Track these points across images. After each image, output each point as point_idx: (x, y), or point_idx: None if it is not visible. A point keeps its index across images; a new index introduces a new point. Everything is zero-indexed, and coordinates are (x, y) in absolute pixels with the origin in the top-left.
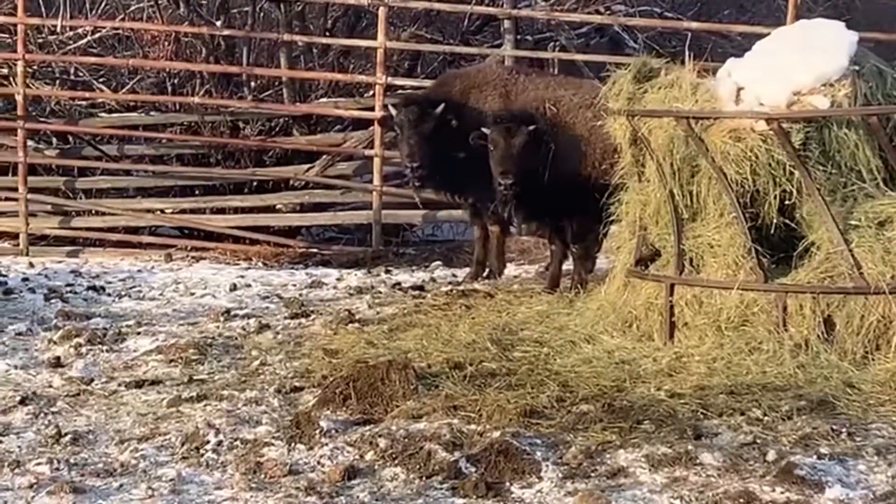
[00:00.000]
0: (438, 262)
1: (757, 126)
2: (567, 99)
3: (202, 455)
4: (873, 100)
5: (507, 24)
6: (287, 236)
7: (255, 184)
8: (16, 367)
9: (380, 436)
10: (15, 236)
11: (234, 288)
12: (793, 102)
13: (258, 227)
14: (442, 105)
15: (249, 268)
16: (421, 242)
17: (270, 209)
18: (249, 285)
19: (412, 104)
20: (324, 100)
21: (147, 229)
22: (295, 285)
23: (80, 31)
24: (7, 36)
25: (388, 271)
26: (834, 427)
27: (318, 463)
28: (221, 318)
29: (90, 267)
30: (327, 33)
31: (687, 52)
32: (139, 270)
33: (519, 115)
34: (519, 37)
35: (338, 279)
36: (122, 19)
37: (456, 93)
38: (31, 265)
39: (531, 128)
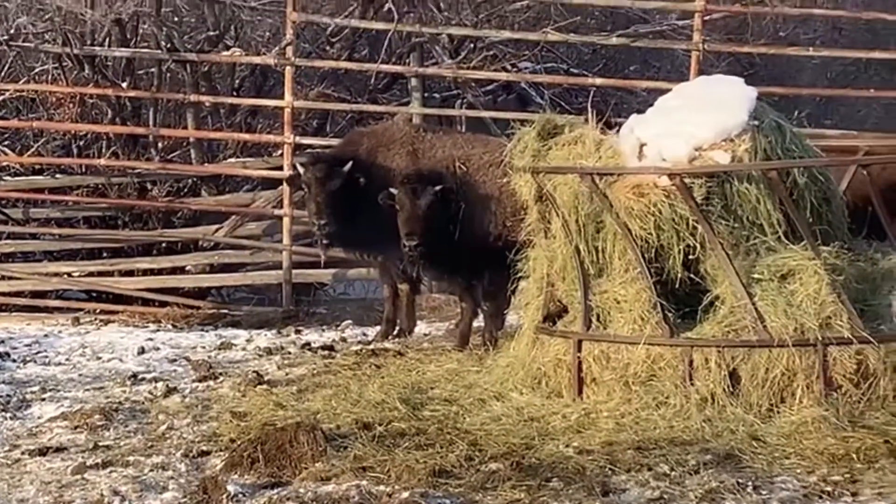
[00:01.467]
0: (349, 321)
1: (660, 181)
2: (476, 157)
3: None
4: (773, 154)
5: (413, 81)
6: (197, 297)
7: (164, 245)
8: None
9: (288, 499)
10: None
11: (142, 351)
12: (694, 158)
13: (167, 288)
14: (350, 163)
15: (159, 330)
16: (333, 301)
17: (180, 270)
18: (158, 348)
19: (319, 162)
20: (232, 160)
21: (54, 293)
22: (204, 347)
23: None
24: None
25: (298, 331)
26: (740, 481)
27: None
28: (128, 383)
29: None
30: (234, 93)
31: (590, 109)
32: (45, 335)
33: (426, 174)
34: (426, 94)
35: (247, 340)
36: (27, 81)
37: (363, 151)
38: None
39: (438, 188)
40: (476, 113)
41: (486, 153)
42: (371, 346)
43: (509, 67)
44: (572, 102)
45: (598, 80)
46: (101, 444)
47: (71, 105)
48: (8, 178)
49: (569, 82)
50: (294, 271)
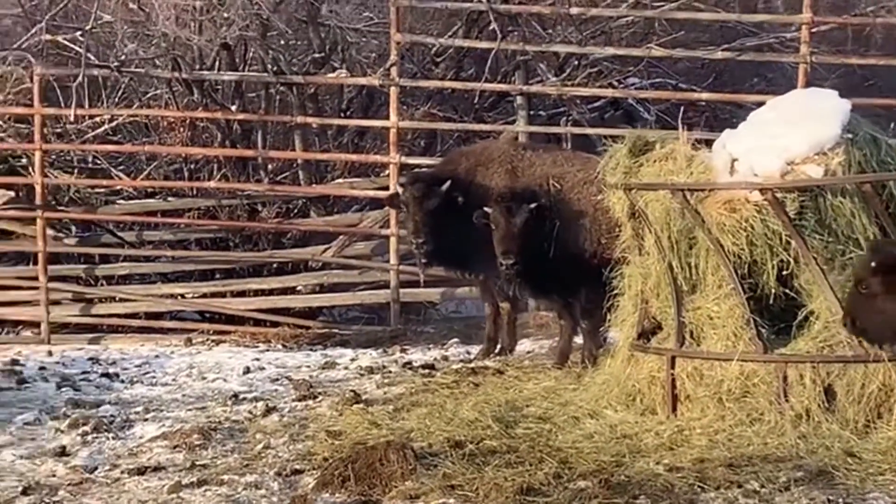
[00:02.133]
0: (456, 340)
1: (752, 196)
2: (572, 174)
3: None
4: (867, 167)
5: (519, 99)
6: (307, 317)
7: (274, 266)
8: (21, 457)
9: None
10: (36, 325)
11: (247, 371)
12: (787, 172)
13: (278, 309)
14: (448, 182)
15: (267, 350)
16: (441, 320)
17: (290, 290)
18: (263, 368)
19: (417, 182)
20: (339, 180)
21: (168, 314)
22: (309, 366)
23: (97, 119)
24: (25, 126)
25: (403, 350)
26: (830, 498)
27: None
28: (230, 402)
29: (109, 353)
30: (342, 114)
31: (680, 125)
32: (157, 356)
33: (521, 192)
34: (532, 112)
35: (352, 359)
36: (139, 107)
37: (462, 170)
38: (50, 353)
39: (532, 206)
40: (582, 130)
41: (581, 170)
42: (471, 365)
43: (616, 84)
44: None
45: (706, 95)
46: (198, 463)
47: (182, 129)
48: (122, 201)
49: (676, 97)
50: (402, 290)
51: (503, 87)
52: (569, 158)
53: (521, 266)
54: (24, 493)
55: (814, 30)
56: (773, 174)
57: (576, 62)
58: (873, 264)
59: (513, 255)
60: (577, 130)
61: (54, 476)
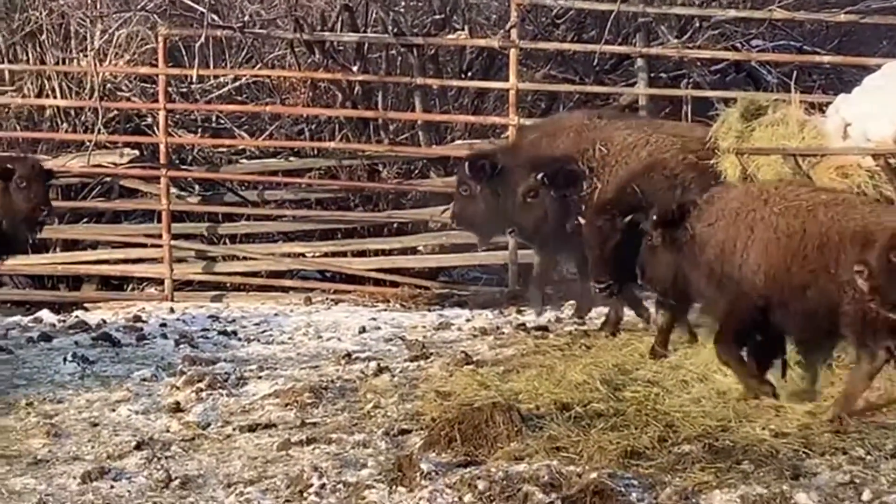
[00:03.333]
0: (572, 302)
1: (864, 162)
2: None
3: (305, 498)
4: None
5: (639, 62)
6: (427, 278)
7: (394, 226)
8: (136, 413)
9: (479, 478)
10: (160, 282)
11: (362, 331)
12: None
13: (398, 269)
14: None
15: (384, 310)
16: (560, 281)
17: (410, 251)
18: (378, 328)
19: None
20: (459, 142)
21: (289, 273)
22: (424, 327)
23: (220, 79)
24: (150, 86)
25: (519, 311)
26: None
27: None
28: (342, 362)
29: (229, 311)
30: (462, 76)
31: (793, 88)
32: (275, 314)
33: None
34: (652, 74)
35: (467, 320)
36: (261, 67)
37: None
38: (172, 311)
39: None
40: (702, 93)
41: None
42: (584, 327)
43: (738, 46)
44: (805, 81)
45: (828, 58)
46: (308, 421)
47: (303, 89)
48: (244, 161)
49: (798, 60)
50: (519, 252)
51: (623, 49)
52: (643, 126)
53: None
54: (138, 447)
55: None
56: (887, 140)
57: (697, 24)
58: (654, 217)
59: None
60: (697, 93)
61: (168, 431)
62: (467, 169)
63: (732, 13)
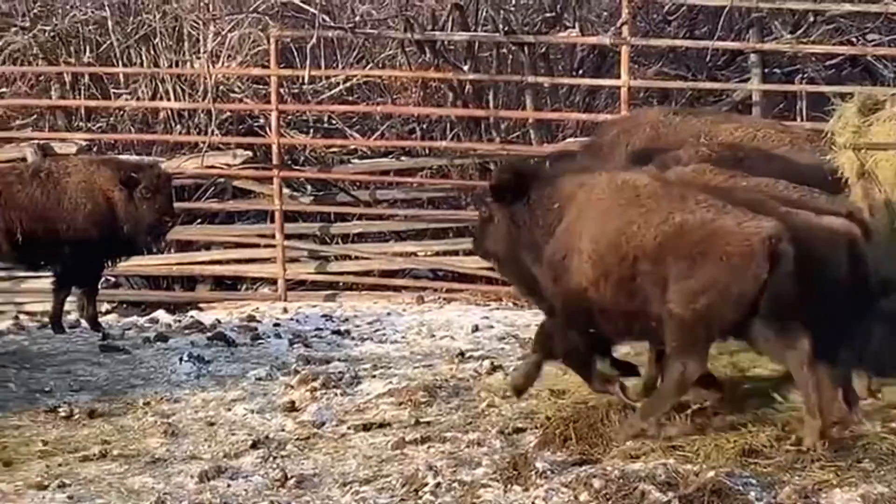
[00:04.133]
0: None
1: None
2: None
3: (420, 497)
4: None
5: (753, 57)
6: None
7: None
8: (252, 412)
9: (595, 476)
10: (274, 282)
11: (475, 329)
12: None
13: None
14: None
15: (497, 308)
16: None
17: None
18: (491, 326)
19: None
20: (571, 139)
21: (401, 272)
22: (537, 325)
23: (331, 80)
24: (262, 87)
25: None
26: None
27: None
28: (456, 360)
29: (342, 311)
30: (573, 74)
31: None
32: (388, 314)
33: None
34: (766, 70)
35: None
36: (372, 67)
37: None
38: (286, 310)
39: None
40: (817, 88)
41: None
42: None
43: (854, 40)
44: None
45: None
46: (422, 420)
47: (414, 89)
48: (356, 160)
49: None
50: None
51: (736, 45)
52: (719, 122)
53: None
54: (254, 446)
55: None
56: None
57: (811, 18)
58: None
59: None
60: (812, 88)
61: (283, 430)
62: None
63: (847, 7)
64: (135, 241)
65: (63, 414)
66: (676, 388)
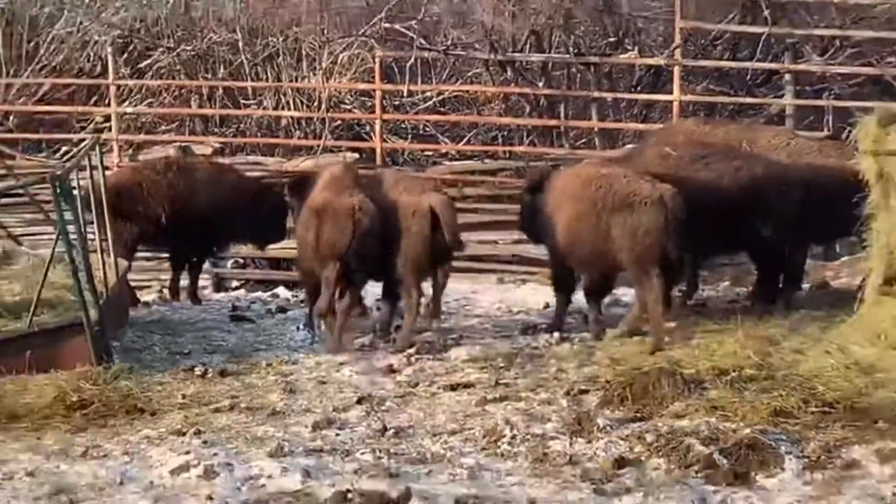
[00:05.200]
0: (727, 283)
1: None
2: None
3: (499, 447)
4: None
5: (787, 77)
6: None
7: None
8: (357, 373)
9: (647, 432)
10: None
11: (546, 306)
12: None
13: None
14: None
15: None
16: (716, 265)
17: None
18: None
19: None
20: (630, 146)
21: (485, 257)
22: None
23: (427, 93)
24: (368, 99)
25: (680, 291)
26: None
27: (595, 454)
28: (530, 332)
29: None
30: (632, 89)
31: None
32: (473, 292)
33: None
34: (798, 87)
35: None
36: (461, 83)
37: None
38: None
39: None
40: (842, 103)
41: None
42: (739, 304)
43: (874, 62)
44: None
45: None
46: (501, 382)
47: (497, 102)
48: (447, 162)
49: None
50: None
51: (773, 66)
52: (745, 130)
53: None
54: (359, 402)
55: None
56: None
57: (838, 44)
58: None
59: None
60: (837, 104)
61: (383, 389)
62: None
63: (869, 33)
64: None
65: (199, 373)
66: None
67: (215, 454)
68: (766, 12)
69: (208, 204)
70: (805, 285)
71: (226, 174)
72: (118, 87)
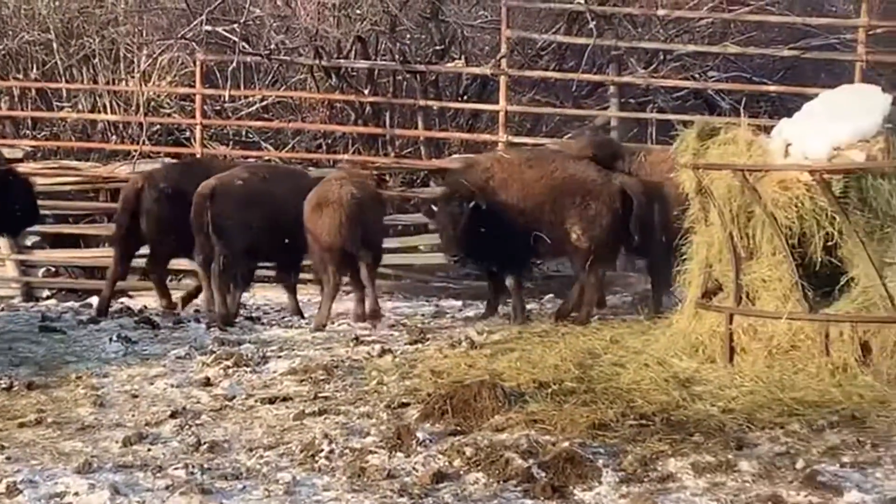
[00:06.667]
0: (551, 295)
1: (802, 177)
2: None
3: (317, 461)
4: None
5: (612, 89)
6: (428, 273)
7: (398, 227)
8: (172, 386)
9: (467, 445)
10: (195, 274)
11: None
12: (833, 156)
13: (402, 265)
14: None
15: (389, 300)
16: (542, 277)
17: (412, 249)
18: (383, 315)
19: None
20: (456, 155)
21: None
22: (422, 315)
23: (249, 99)
24: (188, 104)
25: (506, 304)
26: (860, 439)
27: (413, 468)
28: (351, 344)
29: (254, 300)
30: (459, 99)
31: (742, 113)
32: None
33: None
34: (623, 100)
35: (459, 310)
36: (285, 89)
37: None
38: None
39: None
40: (665, 116)
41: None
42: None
43: (697, 76)
44: (753, 107)
45: (774, 87)
46: (320, 395)
47: (321, 109)
48: None
49: (748, 89)
50: None
51: (598, 77)
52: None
53: None
54: (173, 416)
55: (870, 32)
56: (822, 158)
57: (662, 57)
58: None
59: None
60: (660, 116)
61: (199, 402)
62: None
63: (692, 48)
64: None
65: (4, 385)
66: None
67: (18, 471)
68: (592, 24)
69: None
70: (627, 297)
71: None
72: None
